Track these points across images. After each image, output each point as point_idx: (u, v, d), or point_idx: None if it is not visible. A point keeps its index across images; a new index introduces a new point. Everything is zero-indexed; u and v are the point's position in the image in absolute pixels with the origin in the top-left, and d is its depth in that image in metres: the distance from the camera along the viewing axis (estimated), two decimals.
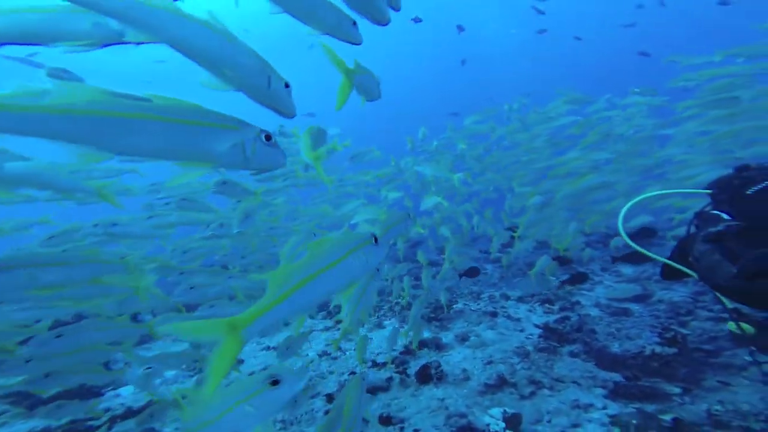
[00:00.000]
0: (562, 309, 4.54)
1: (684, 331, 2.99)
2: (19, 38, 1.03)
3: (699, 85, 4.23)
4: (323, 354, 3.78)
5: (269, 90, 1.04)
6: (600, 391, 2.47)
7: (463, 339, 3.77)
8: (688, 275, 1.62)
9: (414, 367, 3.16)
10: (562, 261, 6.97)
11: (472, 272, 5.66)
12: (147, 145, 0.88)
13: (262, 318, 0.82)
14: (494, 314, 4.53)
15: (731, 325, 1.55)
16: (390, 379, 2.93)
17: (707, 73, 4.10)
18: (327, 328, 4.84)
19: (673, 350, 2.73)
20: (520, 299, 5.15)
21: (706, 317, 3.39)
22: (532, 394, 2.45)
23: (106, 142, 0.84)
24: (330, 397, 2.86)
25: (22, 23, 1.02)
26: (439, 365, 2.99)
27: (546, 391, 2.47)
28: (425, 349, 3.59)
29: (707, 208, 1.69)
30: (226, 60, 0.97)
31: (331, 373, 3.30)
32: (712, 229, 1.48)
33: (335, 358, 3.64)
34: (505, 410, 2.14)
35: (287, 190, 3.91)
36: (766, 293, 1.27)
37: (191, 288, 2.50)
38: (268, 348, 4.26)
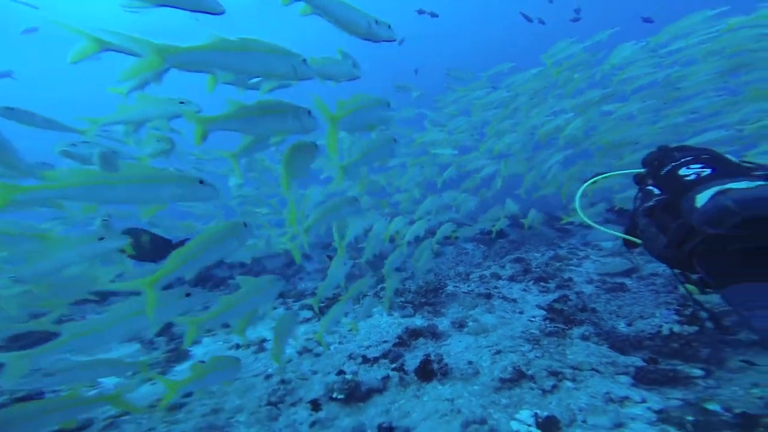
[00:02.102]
0: (558, 287, 4.33)
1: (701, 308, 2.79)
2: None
3: None
4: (304, 351, 3.26)
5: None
6: (625, 378, 2.19)
7: (460, 325, 3.41)
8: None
9: (411, 360, 2.75)
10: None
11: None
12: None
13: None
14: (489, 296, 4.23)
15: (681, 288, 1.67)
16: (386, 378, 2.49)
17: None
18: (306, 320, 4.31)
19: (694, 329, 2.50)
20: (512, 278, 4.89)
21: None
22: (555, 387, 2.12)
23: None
24: (315, 404, 2.38)
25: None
26: (442, 358, 2.59)
27: (569, 383, 2.15)
28: (421, 339, 3.19)
29: (646, 183, 1.81)
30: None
31: (315, 373, 2.80)
32: (647, 204, 1.64)
33: (318, 355, 3.13)
34: (536, 413, 1.77)
35: None
36: (691, 257, 1.38)
37: None
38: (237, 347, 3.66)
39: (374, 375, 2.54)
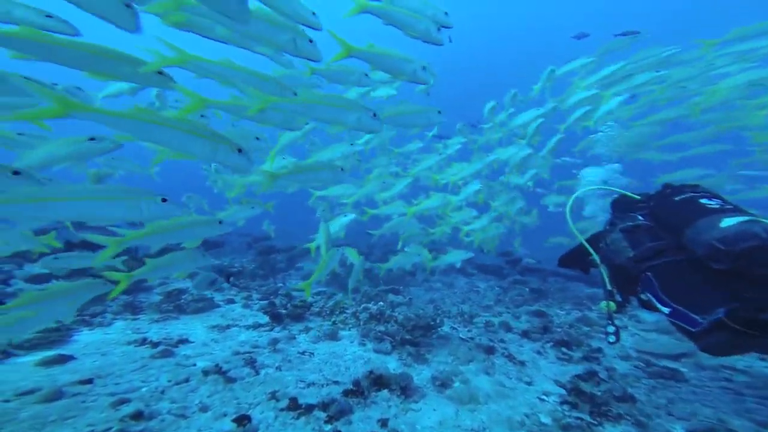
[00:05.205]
0: (584, 358, 3.30)
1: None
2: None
3: None
4: (216, 370, 2.38)
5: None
6: None
7: (443, 384, 2.51)
8: (583, 263, 2.35)
9: (358, 425, 1.90)
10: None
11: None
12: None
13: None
14: (491, 350, 3.28)
15: (603, 304, 2.08)
16: None
17: None
18: (256, 326, 3.55)
19: None
20: (525, 334, 3.89)
21: None
22: None
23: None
24: None
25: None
26: None
27: None
28: (385, 391, 2.32)
29: (622, 213, 2.22)
30: None
31: (204, 410, 1.92)
32: (630, 224, 2.00)
33: (232, 381, 2.29)
34: None
35: None
36: (642, 273, 1.76)
37: None
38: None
39: None
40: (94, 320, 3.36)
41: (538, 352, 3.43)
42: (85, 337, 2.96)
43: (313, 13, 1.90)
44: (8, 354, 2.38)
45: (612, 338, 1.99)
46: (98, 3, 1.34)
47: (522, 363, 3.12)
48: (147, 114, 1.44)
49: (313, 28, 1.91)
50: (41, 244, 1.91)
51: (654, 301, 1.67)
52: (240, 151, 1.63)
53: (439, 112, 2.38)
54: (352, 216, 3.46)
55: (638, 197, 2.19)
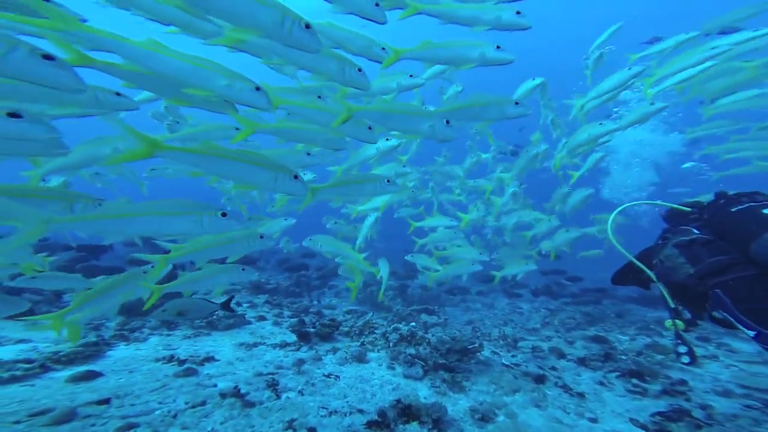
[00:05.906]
0: (665, 392, 2.69)
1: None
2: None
3: None
4: (235, 393, 2.18)
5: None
6: None
7: (483, 418, 2.13)
8: (639, 280, 2.16)
9: None
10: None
11: None
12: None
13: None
14: (541, 379, 2.81)
15: (668, 323, 1.91)
16: None
17: None
18: (283, 345, 3.40)
19: None
20: (582, 362, 3.32)
21: None
22: None
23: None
24: None
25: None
26: None
27: None
28: (414, 424, 2.01)
29: (675, 226, 2.08)
30: None
31: None
32: (685, 238, 1.84)
33: (251, 405, 2.10)
34: None
35: None
36: (710, 290, 1.61)
37: None
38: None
39: None
40: (132, 335, 3.45)
41: (601, 383, 2.87)
42: (119, 352, 3.02)
43: (383, 49, 1.88)
44: (47, 368, 2.46)
45: (686, 359, 1.81)
46: (238, 93, 1.53)
47: (581, 395, 2.62)
48: (219, 150, 1.53)
49: (379, 63, 1.92)
50: (36, 262, 1.97)
51: (732, 320, 1.53)
52: (296, 177, 1.67)
53: (517, 102, 2.06)
54: (375, 216, 3.31)
55: (689, 209, 2.09)
